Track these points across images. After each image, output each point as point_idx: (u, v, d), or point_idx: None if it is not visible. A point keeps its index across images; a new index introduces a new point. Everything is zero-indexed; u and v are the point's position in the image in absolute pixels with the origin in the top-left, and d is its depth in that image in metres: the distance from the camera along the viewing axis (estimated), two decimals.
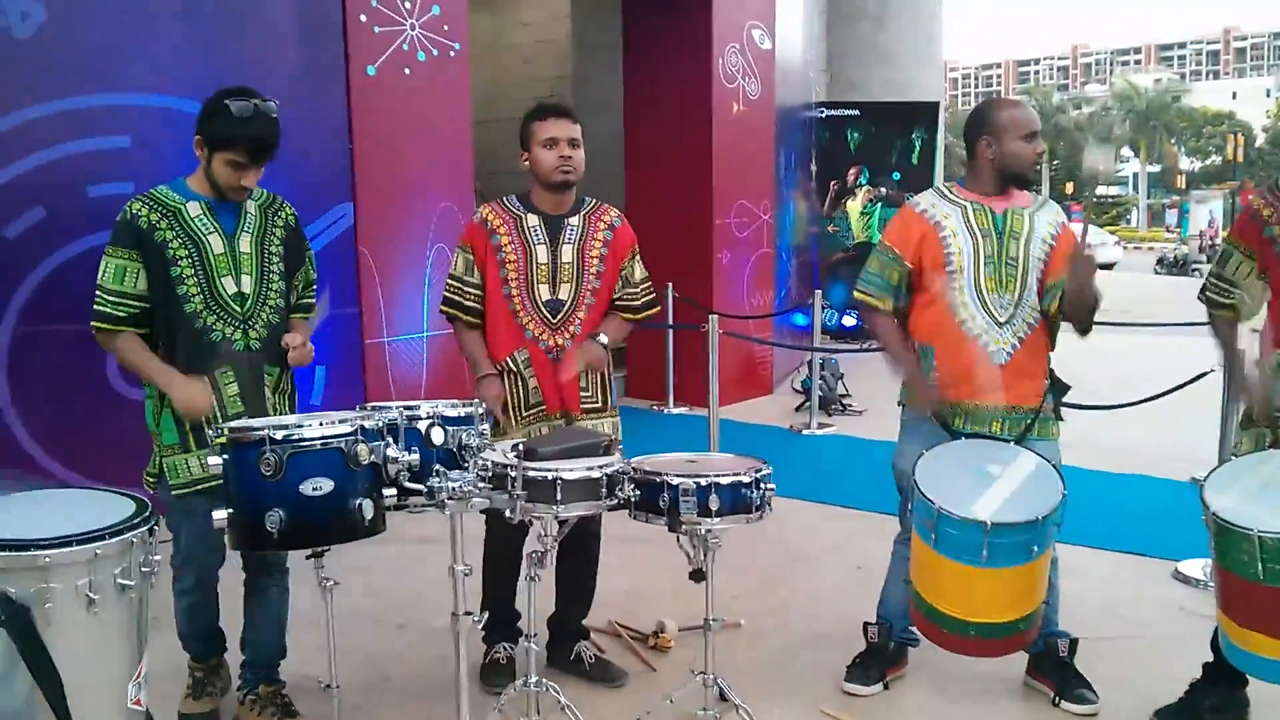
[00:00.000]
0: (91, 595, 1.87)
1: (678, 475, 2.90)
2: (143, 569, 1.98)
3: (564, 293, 3.46)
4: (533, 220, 3.48)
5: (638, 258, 3.68)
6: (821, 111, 12.09)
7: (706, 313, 6.84)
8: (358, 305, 6.06)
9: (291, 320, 3.28)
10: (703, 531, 2.96)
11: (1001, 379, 3.31)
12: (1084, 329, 3.35)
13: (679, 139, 8.55)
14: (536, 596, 3.12)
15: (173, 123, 5.26)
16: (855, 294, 3.53)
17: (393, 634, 4.05)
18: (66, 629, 1.86)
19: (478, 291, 3.49)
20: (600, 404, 3.55)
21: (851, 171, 12.13)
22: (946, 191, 3.46)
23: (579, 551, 3.56)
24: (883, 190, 12.07)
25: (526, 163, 3.50)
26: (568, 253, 3.47)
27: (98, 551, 1.88)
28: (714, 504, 2.87)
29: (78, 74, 5.32)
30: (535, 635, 3.15)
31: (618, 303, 3.63)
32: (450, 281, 3.54)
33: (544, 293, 3.44)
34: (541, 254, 3.44)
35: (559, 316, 3.45)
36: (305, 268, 3.34)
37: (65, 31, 5.28)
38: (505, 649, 3.58)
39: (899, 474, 3.47)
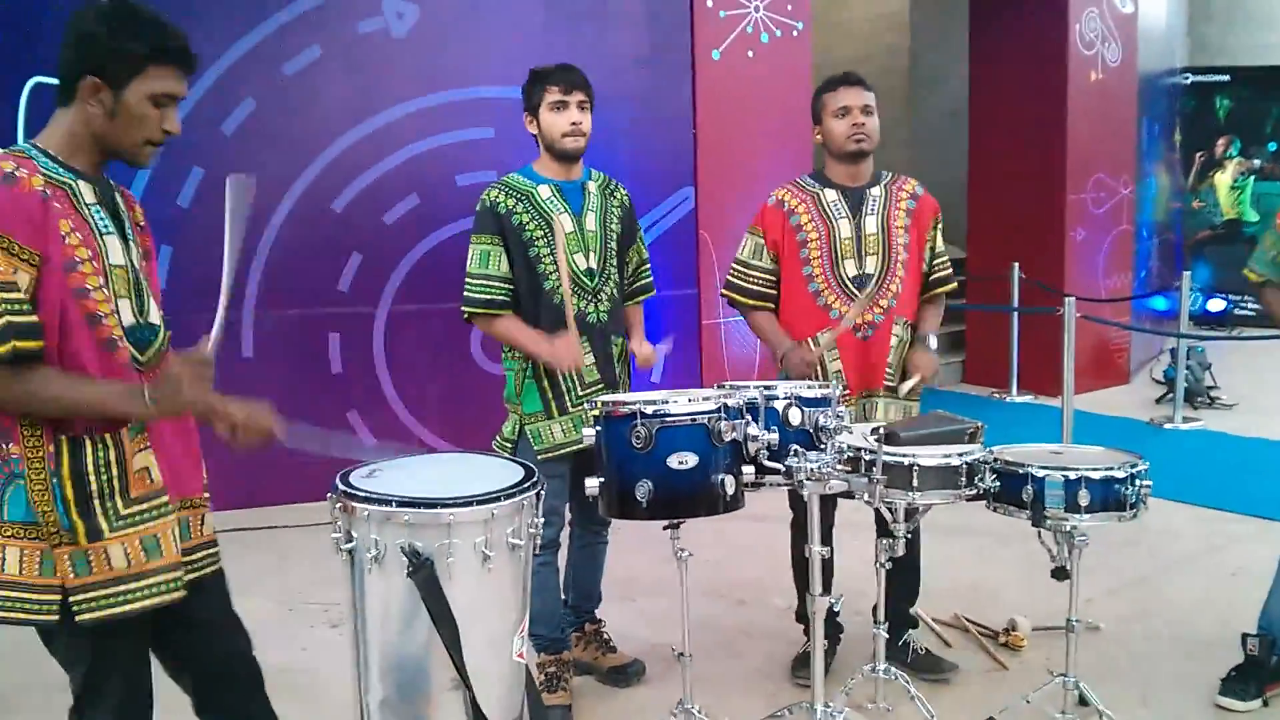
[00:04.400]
0: (487, 552, 1.99)
1: (1044, 467, 2.75)
2: (530, 530, 2.10)
3: (871, 265, 3.36)
4: (831, 195, 3.39)
5: (939, 228, 3.54)
6: (1186, 78, 11.07)
7: (1059, 295, 6.46)
8: (696, 286, 6.19)
9: (629, 314, 3.44)
10: (1068, 528, 2.79)
11: None
12: None
13: (1029, 110, 8.09)
14: (884, 583, 3.08)
15: None
16: (1246, 272, 3.20)
17: (734, 608, 4.12)
18: (464, 583, 1.98)
19: (766, 276, 3.45)
20: (895, 385, 3.41)
21: (1220, 142, 11.06)
22: None
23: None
24: (1256, 162, 10.93)
25: (819, 136, 3.43)
26: (871, 224, 3.37)
27: (494, 512, 1.99)
28: (1083, 499, 2.71)
29: (447, 69, 5.76)
30: (886, 622, 3.10)
31: (932, 277, 3.51)
32: (734, 266, 3.52)
33: (850, 268, 3.35)
34: (844, 228, 3.36)
35: (866, 291, 3.35)
36: (637, 245, 3.48)
37: (436, 29, 5.72)
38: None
39: None
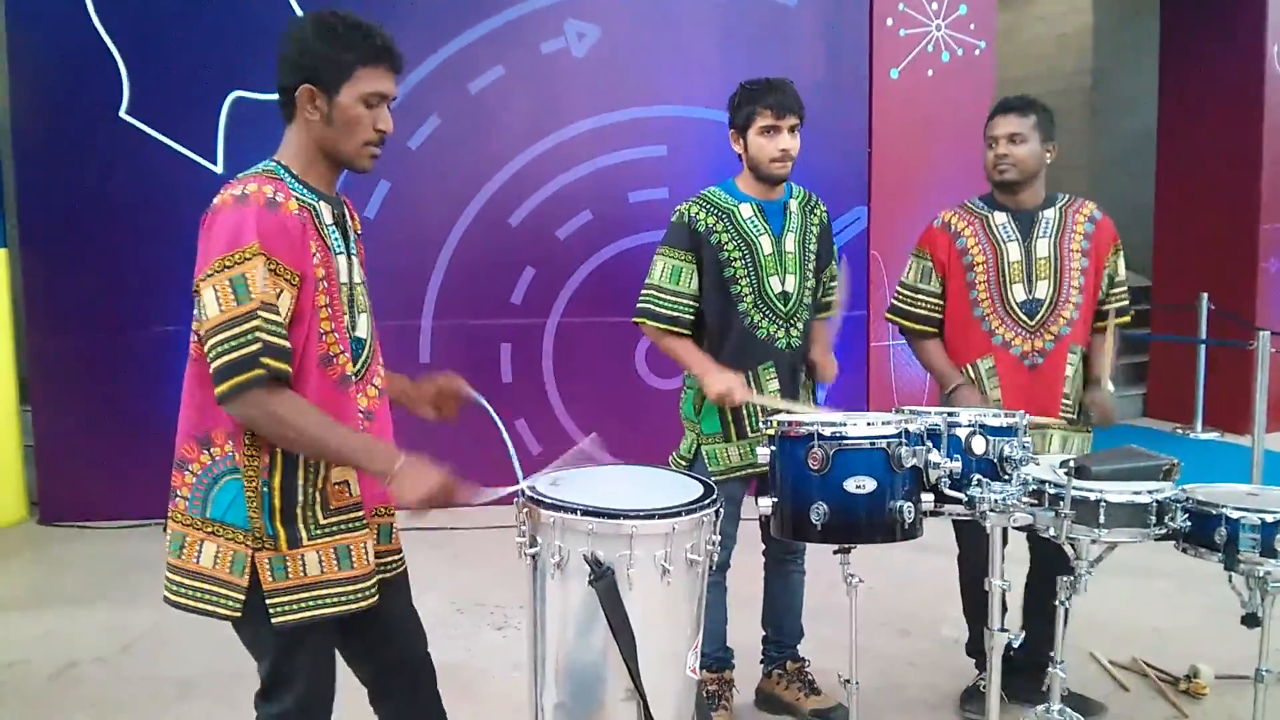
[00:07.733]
0: (666, 566, 2.01)
1: (1239, 508, 2.61)
2: (708, 546, 2.11)
3: (1041, 291, 3.24)
4: (1001, 218, 3.30)
5: (1120, 255, 3.38)
6: None
7: (1250, 328, 6.12)
8: (866, 307, 6.10)
9: (815, 327, 3.34)
10: (1262, 573, 2.63)
11: None
12: None
13: (1222, 134, 7.71)
14: (1063, 621, 2.97)
15: (705, 132, 5.62)
16: None
17: (897, 638, 4.04)
18: (643, 594, 2.01)
19: (934, 301, 3.37)
20: (1074, 416, 3.29)
21: None
22: None
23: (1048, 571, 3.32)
24: None
25: None
26: (1043, 247, 3.25)
27: (675, 526, 2.02)
28: None
29: (624, 89, 5.86)
30: (1062, 661, 2.99)
31: (1104, 306, 3.35)
32: (900, 290, 3.45)
33: (1019, 293, 3.25)
34: (1013, 251, 3.25)
35: (1037, 318, 3.24)
36: (831, 264, 3.40)
37: (615, 50, 5.83)
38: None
39: None
